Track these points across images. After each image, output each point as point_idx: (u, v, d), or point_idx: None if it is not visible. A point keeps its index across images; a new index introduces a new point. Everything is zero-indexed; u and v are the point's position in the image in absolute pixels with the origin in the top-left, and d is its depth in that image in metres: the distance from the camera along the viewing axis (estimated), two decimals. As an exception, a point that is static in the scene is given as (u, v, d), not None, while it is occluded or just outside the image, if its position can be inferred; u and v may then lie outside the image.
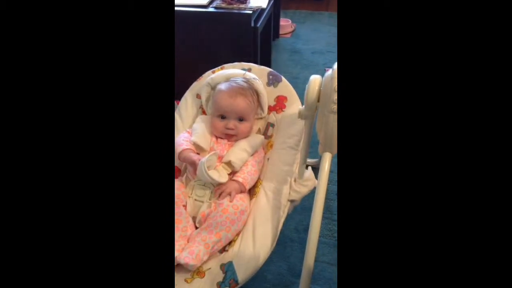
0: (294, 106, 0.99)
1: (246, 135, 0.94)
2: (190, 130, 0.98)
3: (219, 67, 1.07)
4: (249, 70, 1.05)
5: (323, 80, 0.69)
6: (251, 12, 1.44)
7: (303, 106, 0.75)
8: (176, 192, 0.83)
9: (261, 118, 1.02)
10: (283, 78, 1.04)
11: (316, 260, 0.66)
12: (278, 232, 0.80)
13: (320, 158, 0.72)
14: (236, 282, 0.71)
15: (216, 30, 1.47)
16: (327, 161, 0.70)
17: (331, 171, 0.71)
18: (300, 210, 1.16)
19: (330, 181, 0.70)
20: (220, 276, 0.72)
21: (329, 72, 0.68)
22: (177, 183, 0.88)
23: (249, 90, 0.94)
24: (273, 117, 1.01)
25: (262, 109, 0.99)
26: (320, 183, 0.68)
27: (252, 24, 1.46)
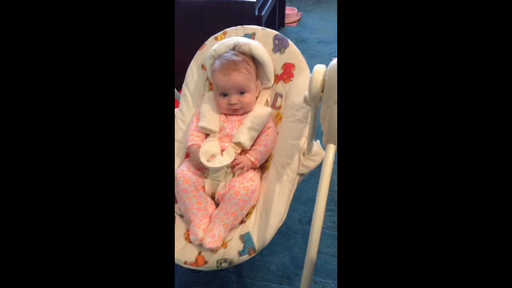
0: (303, 74, 0.95)
1: (251, 106, 0.94)
2: (199, 112, 0.98)
3: (222, 32, 1.04)
4: (253, 35, 1.01)
5: (328, 70, 0.68)
6: (255, 0, 1.42)
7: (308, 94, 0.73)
8: (194, 176, 0.87)
9: (268, 88, 0.98)
10: (290, 42, 0.98)
11: (319, 252, 0.66)
12: (289, 204, 0.85)
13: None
14: (254, 250, 0.79)
15: (220, 19, 1.45)
16: (331, 153, 0.68)
17: (335, 163, 0.69)
18: (305, 201, 1.15)
19: (334, 172, 0.68)
20: (240, 246, 0.80)
21: (333, 61, 0.66)
22: (192, 167, 0.90)
23: (242, 62, 0.92)
24: (281, 86, 0.97)
25: (267, 78, 0.96)
26: (324, 174, 0.67)
27: (256, 13, 1.44)
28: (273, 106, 0.98)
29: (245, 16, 1.43)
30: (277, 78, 0.98)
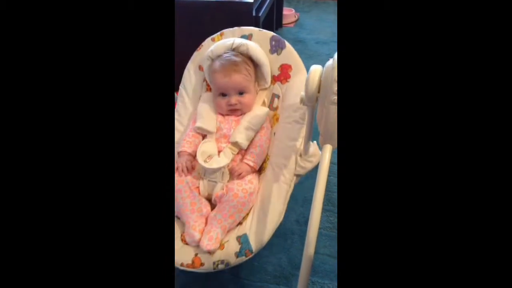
0: (300, 75, 0.95)
1: (250, 107, 0.94)
2: (196, 113, 0.98)
3: (219, 33, 1.04)
4: (250, 36, 1.01)
5: (324, 70, 0.68)
6: (252, 1, 1.42)
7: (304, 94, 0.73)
8: (188, 176, 0.88)
9: (264, 89, 0.99)
10: (287, 43, 0.98)
11: (317, 253, 0.66)
12: (286, 204, 0.85)
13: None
14: (251, 251, 0.80)
15: (217, 20, 1.45)
16: (327, 153, 0.68)
17: (332, 163, 0.69)
18: (302, 202, 1.15)
19: (331, 173, 0.69)
20: (237, 247, 0.81)
21: (329, 62, 0.66)
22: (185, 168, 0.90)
23: (242, 63, 0.93)
24: (278, 87, 0.98)
25: (264, 79, 0.97)
26: (320, 175, 0.67)
27: (254, 14, 1.43)
28: (270, 107, 0.98)
29: (243, 17, 1.42)
30: (274, 79, 0.98)
